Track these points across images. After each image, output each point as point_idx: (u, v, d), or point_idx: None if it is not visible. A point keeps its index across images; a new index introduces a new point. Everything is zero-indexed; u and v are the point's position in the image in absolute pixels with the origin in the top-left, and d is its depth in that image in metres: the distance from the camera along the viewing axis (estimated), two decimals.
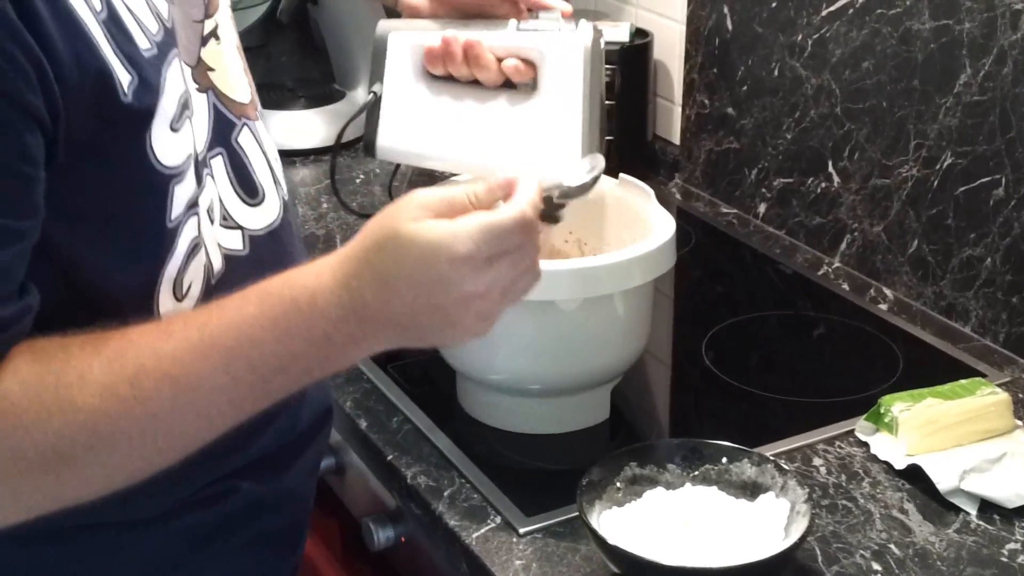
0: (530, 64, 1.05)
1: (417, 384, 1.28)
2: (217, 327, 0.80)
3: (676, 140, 1.80)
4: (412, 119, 1.10)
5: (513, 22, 1.07)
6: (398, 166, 1.29)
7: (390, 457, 1.16)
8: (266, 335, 0.80)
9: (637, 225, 1.20)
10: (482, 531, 1.06)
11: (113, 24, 0.79)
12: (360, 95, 1.97)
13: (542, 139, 1.06)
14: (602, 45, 1.08)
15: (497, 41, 1.05)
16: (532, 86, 1.06)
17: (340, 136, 1.17)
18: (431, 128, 1.10)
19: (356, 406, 1.24)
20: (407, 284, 0.81)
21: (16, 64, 0.72)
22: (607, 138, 1.13)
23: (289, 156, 1.82)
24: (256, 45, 1.93)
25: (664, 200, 1.22)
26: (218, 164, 0.92)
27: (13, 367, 0.76)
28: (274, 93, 1.93)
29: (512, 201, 0.83)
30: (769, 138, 1.62)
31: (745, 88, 1.64)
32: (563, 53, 1.05)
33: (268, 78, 1.96)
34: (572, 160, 1.05)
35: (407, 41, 1.09)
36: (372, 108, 1.11)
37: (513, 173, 0.85)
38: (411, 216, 0.82)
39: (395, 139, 1.11)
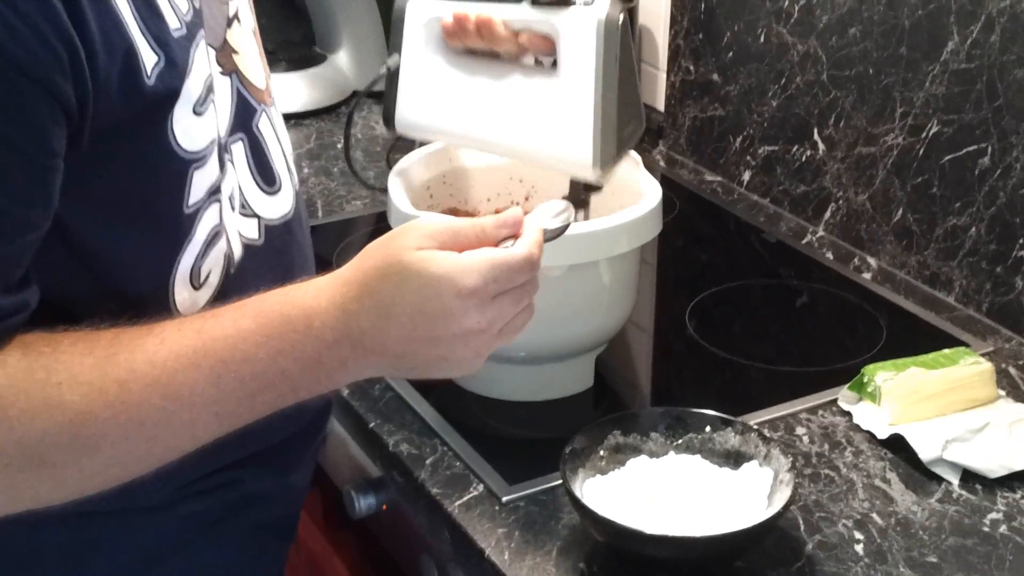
0: (548, 39, 1.03)
1: None
2: (211, 338, 0.79)
3: (660, 107, 1.79)
4: (430, 93, 1.07)
5: None
6: (391, 148, 1.27)
7: (372, 424, 1.15)
8: (259, 351, 0.79)
9: (623, 192, 1.19)
10: (464, 499, 1.05)
11: (142, 2, 0.77)
12: (341, 58, 1.95)
13: (556, 118, 1.04)
14: (620, 20, 1.02)
15: (511, 15, 1.03)
16: (555, 62, 1.04)
17: (353, 107, 1.15)
18: (449, 104, 1.07)
19: None
20: (408, 314, 0.79)
21: (49, 47, 0.69)
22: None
23: None
24: None
25: (648, 167, 1.21)
26: (238, 150, 0.90)
27: (1, 360, 0.74)
28: None
29: (522, 240, 0.83)
30: (754, 105, 1.61)
31: (731, 54, 1.63)
32: (576, 29, 1.01)
33: None
34: (584, 142, 1.02)
35: (424, 12, 1.06)
36: (390, 80, 1.08)
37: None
38: (416, 244, 0.80)
39: (413, 113, 1.08)
